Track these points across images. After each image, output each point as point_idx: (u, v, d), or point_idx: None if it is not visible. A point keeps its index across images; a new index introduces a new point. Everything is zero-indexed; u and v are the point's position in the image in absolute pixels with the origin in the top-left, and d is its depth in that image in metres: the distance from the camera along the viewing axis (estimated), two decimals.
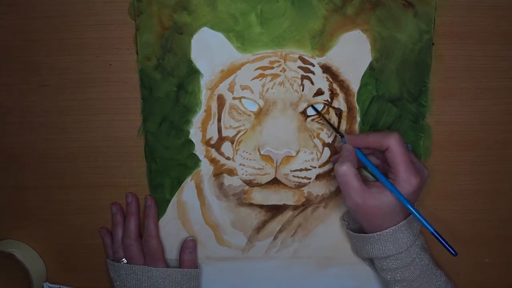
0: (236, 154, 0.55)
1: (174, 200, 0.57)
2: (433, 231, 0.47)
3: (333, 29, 0.52)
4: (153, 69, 0.53)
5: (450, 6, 0.52)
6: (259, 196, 0.57)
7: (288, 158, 0.55)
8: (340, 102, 0.54)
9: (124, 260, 0.56)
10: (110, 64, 0.54)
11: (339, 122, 0.55)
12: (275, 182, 0.56)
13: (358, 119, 0.55)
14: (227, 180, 0.56)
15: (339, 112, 0.55)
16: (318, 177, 0.56)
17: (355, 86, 0.54)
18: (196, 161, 0.56)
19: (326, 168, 0.56)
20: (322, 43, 0.53)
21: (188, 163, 0.56)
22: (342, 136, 0.52)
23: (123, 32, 0.53)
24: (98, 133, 0.56)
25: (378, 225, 0.50)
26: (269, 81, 0.53)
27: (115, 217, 0.57)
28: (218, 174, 0.56)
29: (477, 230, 0.59)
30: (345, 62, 0.53)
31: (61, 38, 0.53)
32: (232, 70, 0.53)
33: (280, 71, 0.53)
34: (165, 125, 0.55)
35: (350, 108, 0.55)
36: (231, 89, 0.54)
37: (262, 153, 0.55)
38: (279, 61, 0.53)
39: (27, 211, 0.58)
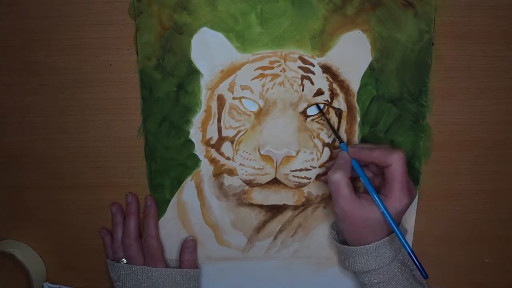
0: (236, 154, 0.55)
1: (174, 200, 0.57)
2: (410, 252, 0.48)
3: (333, 29, 0.52)
4: (153, 69, 0.53)
5: (450, 6, 0.52)
6: (259, 196, 0.57)
7: (288, 158, 0.55)
8: (340, 102, 0.54)
9: (124, 260, 0.56)
10: (110, 64, 0.54)
11: (339, 122, 0.55)
12: (275, 182, 0.56)
13: (358, 119, 0.55)
14: (227, 180, 0.56)
15: (339, 112, 0.55)
16: (318, 177, 0.56)
17: (355, 86, 0.54)
18: (196, 161, 0.56)
19: (326, 168, 0.56)
20: (322, 43, 0.53)
21: (188, 163, 0.56)
22: (341, 141, 0.52)
23: (123, 32, 0.53)
24: (98, 133, 0.55)
25: (360, 237, 0.50)
26: (269, 81, 0.53)
27: (115, 217, 0.57)
28: (218, 174, 0.56)
29: (477, 230, 0.59)
30: (345, 62, 0.53)
31: (61, 38, 0.53)
32: (232, 70, 0.53)
33: (280, 71, 0.53)
34: (165, 125, 0.55)
35: (350, 108, 0.54)
36: (231, 89, 0.54)
37: (262, 153, 0.55)
38: (279, 61, 0.53)
39: (27, 211, 0.58)
